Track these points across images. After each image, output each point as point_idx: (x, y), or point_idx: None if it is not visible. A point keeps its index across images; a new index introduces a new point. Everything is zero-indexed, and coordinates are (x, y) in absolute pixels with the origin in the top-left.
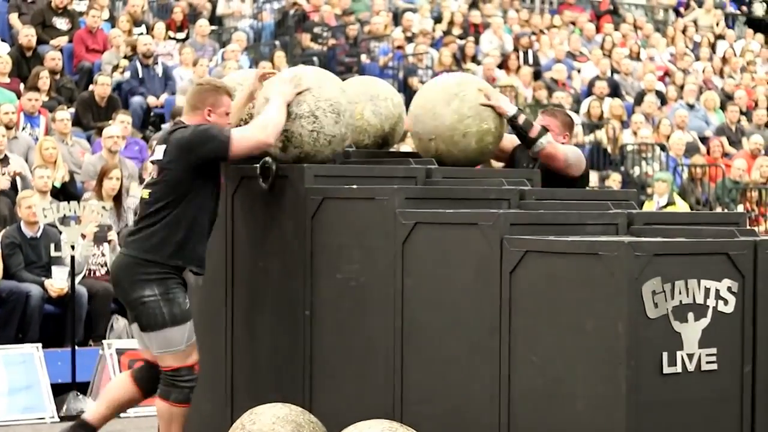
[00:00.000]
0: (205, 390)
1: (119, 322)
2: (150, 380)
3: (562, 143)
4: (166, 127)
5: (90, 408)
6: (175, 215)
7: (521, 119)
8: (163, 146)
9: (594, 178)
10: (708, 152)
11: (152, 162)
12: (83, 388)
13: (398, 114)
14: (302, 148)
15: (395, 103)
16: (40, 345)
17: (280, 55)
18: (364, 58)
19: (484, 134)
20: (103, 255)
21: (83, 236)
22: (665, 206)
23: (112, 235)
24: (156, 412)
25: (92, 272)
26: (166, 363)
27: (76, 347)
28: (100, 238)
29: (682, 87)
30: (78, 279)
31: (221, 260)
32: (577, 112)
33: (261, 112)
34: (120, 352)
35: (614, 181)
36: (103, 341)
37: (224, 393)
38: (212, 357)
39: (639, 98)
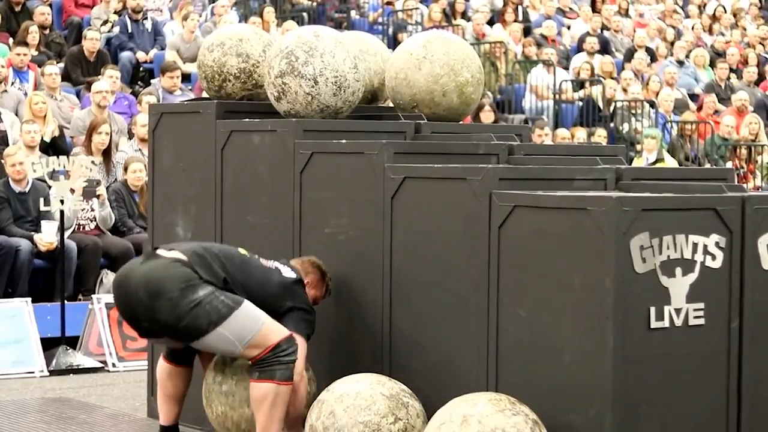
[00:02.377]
0: None
1: (108, 277)
2: (184, 350)
3: None
4: (155, 82)
5: (159, 412)
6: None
7: None
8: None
9: (582, 133)
10: (700, 109)
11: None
12: (73, 343)
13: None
14: (294, 106)
15: (384, 59)
16: (29, 299)
17: (269, 11)
18: (353, 13)
19: (463, 86)
20: (92, 210)
21: (72, 191)
22: (654, 163)
23: (101, 190)
24: (252, 398)
25: (81, 227)
26: (260, 347)
27: (66, 302)
28: (89, 192)
29: (672, 44)
30: (67, 234)
31: (210, 215)
32: (566, 68)
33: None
34: (109, 306)
35: (600, 136)
36: (93, 296)
37: None
38: None
39: (629, 55)
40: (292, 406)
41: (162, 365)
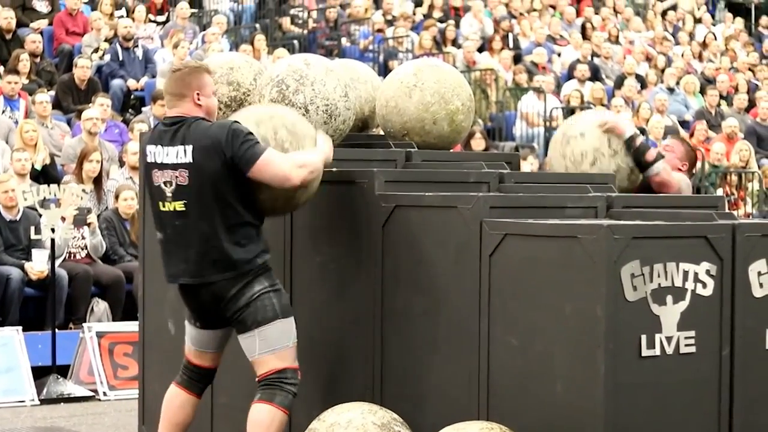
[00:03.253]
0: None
1: (99, 305)
2: (198, 379)
3: (679, 170)
4: (146, 110)
5: None
6: (231, 218)
7: (638, 141)
8: (180, 147)
9: None
10: (691, 136)
11: (166, 167)
12: (63, 371)
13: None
14: None
15: (375, 87)
16: (20, 328)
17: (260, 39)
18: (344, 41)
19: (454, 114)
20: (83, 238)
21: (63, 219)
22: None
23: (92, 218)
24: (250, 421)
25: (72, 255)
26: (270, 365)
27: (57, 330)
28: (79, 221)
29: (662, 71)
30: (58, 262)
31: None
32: (557, 95)
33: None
34: (100, 335)
35: None
36: (84, 324)
37: None
38: None
39: (619, 82)
40: None
41: (174, 392)
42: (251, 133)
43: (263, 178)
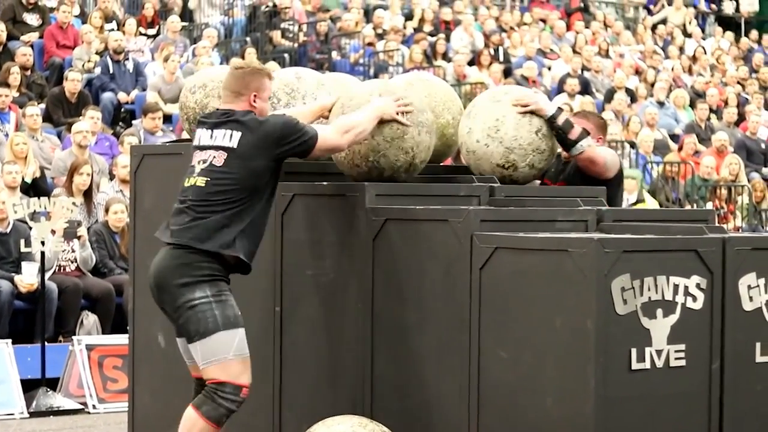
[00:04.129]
0: (176, 384)
1: (89, 318)
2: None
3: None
4: (137, 123)
5: None
6: (241, 209)
7: (561, 120)
8: (227, 131)
9: None
10: (680, 149)
11: (207, 148)
12: (53, 384)
13: None
14: None
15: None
16: (9, 341)
17: (250, 52)
18: (335, 54)
19: (444, 128)
20: (72, 251)
21: (53, 232)
22: (634, 204)
23: (82, 231)
24: (181, 420)
25: (62, 268)
26: (211, 375)
27: (46, 343)
28: (69, 234)
29: (652, 85)
30: (48, 275)
31: None
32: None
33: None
34: (90, 348)
35: None
36: (73, 337)
37: (194, 390)
38: (179, 354)
39: (609, 96)
40: None
41: (187, 413)
42: (299, 123)
43: (319, 156)
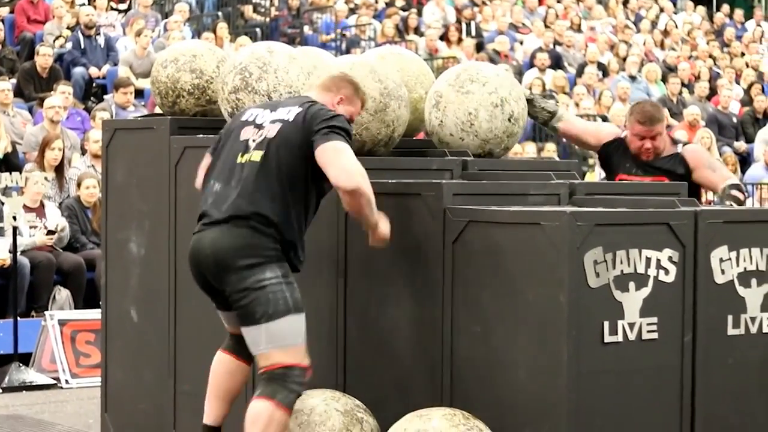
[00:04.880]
0: (149, 359)
1: (61, 293)
2: (245, 342)
3: None
4: (108, 98)
5: (206, 409)
6: (297, 192)
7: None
8: (290, 108)
9: (531, 148)
10: None
11: (261, 125)
12: (25, 359)
13: None
14: None
15: None
16: None
17: (222, 27)
18: (306, 29)
19: (417, 102)
20: (45, 227)
21: (25, 207)
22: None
23: (65, 229)
24: (248, 417)
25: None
26: (275, 360)
27: (19, 318)
28: (60, 240)
29: (624, 59)
30: (20, 250)
31: (164, 231)
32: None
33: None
34: (62, 323)
35: (550, 151)
36: (46, 312)
37: (167, 363)
38: (156, 329)
39: (580, 70)
40: None
41: (221, 357)
42: (346, 128)
43: (326, 164)
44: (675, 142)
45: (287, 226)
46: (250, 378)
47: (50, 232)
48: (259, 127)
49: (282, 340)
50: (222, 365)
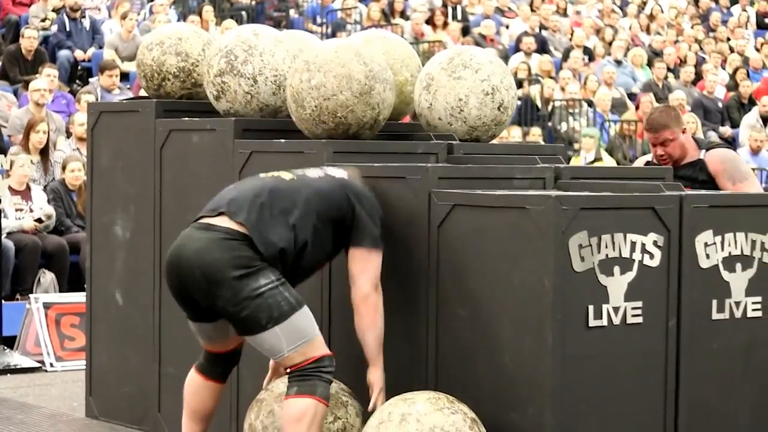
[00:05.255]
0: (134, 342)
1: (46, 276)
2: (216, 363)
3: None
4: (93, 81)
5: (183, 429)
6: (310, 236)
7: None
8: (341, 171)
9: (517, 132)
10: (637, 108)
11: (300, 168)
12: (10, 343)
13: None
14: (233, 105)
15: None
16: None
17: (208, 10)
18: (292, 12)
19: (402, 85)
20: (31, 210)
21: (11, 190)
22: (592, 162)
23: (51, 217)
24: (287, 415)
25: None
26: (304, 356)
27: (3, 301)
28: (46, 226)
29: (609, 43)
30: (5, 233)
31: (149, 214)
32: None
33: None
34: (47, 306)
35: (535, 135)
36: (30, 295)
37: (152, 347)
38: (141, 312)
39: (566, 54)
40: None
41: (193, 378)
42: (379, 222)
43: (352, 262)
44: (700, 146)
45: (279, 257)
46: (223, 397)
47: (38, 221)
48: (295, 169)
49: (301, 337)
50: (192, 386)
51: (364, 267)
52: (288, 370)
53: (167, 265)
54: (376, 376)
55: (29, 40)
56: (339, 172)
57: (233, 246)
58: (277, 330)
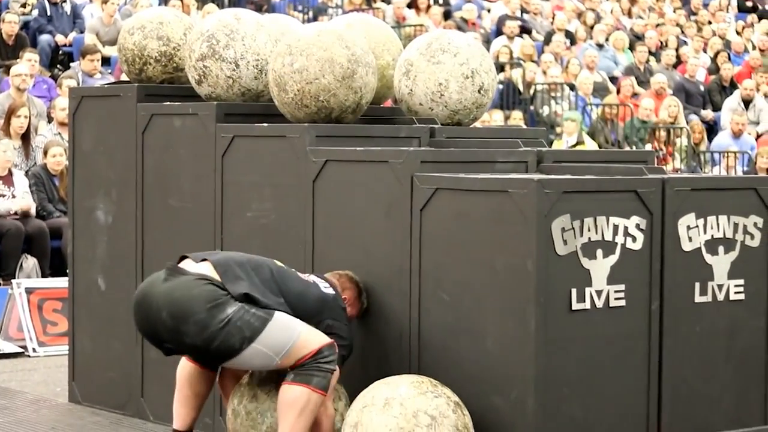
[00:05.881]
0: (117, 327)
1: (28, 261)
2: None
3: None
4: (75, 66)
5: (175, 415)
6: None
7: None
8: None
9: (498, 116)
10: (618, 92)
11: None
12: None
13: None
14: (215, 90)
15: None
16: None
17: None
18: None
19: (384, 69)
20: (13, 196)
21: None
22: (574, 145)
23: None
24: (280, 399)
25: None
26: (297, 356)
27: None
28: (8, 177)
29: (591, 27)
30: None
31: (131, 199)
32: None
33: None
34: (29, 291)
35: (516, 119)
36: (13, 280)
37: (134, 332)
38: (123, 297)
39: (548, 38)
40: (318, 425)
41: (184, 365)
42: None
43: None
44: None
45: (245, 300)
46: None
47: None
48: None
49: (284, 343)
50: (185, 371)
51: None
52: (289, 369)
53: (135, 306)
54: None
55: (9, 25)
56: (327, 287)
57: (199, 284)
58: (256, 346)
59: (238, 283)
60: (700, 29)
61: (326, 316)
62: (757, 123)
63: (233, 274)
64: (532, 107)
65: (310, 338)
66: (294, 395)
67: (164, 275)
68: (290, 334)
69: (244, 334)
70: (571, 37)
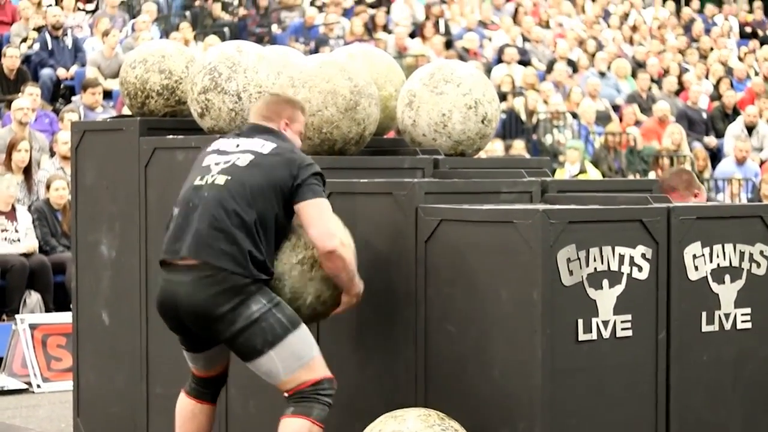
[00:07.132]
0: (121, 362)
1: (32, 297)
2: (206, 386)
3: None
4: (76, 99)
5: None
6: (263, 226)
7: None
8: (261, 140)
9: (499, 145)
10: (621, 120)
11: (229, 153)
12: None
13: None
14: (217, 123)
15: None
16: None
17: (184, 26)
18: (275, 28)
19: (387, 100)
20: (16, 231)
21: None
22: (577, 174)
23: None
24: None
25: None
26: (301, 379)
27: None
28: (12, 212)
29: (593, 55)
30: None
31: (134, 232)
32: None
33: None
34: (33, 326)
35: (517, 148)
36: (17, 316)
37: (139, 367)
38: (128, 331)
39: (550, 66)
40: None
41: (183, 401)
42: (323, 179)
43: (306, 220)
44: None
45: (253, 257)
46: (216, 418)
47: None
48: (223, 153)
49: (297, 360)
50: (185, 409)
51: (311, 219)
52: (286, 394)
53: (162, 307)
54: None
55: (11, 59)
56: (268, 147)
57: (217, 281)
58: (272, 354)
59: (238, 258)
60: (702, 56)
61: (295, 172)
62: (761, 149)
63: (227, 254)
64: (534, 136)
65: (318, 366)
66: (295, 428)
67: (181, 276)
68: (305, 353)
69: (267, 337)
70: (573, 66)
